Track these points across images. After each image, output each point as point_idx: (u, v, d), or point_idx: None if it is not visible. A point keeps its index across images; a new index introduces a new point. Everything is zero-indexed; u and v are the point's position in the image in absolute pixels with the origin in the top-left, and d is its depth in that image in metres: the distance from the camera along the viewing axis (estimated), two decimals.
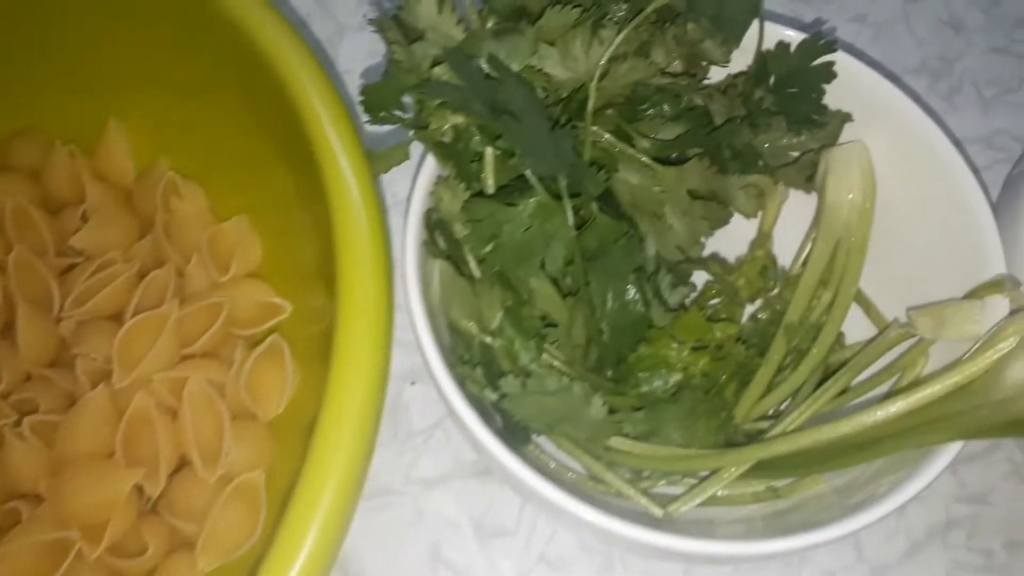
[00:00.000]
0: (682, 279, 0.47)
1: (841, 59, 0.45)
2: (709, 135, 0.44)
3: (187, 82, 0.44)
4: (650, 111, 0.43)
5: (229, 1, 0.39)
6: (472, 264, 0.39)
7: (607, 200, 0.44)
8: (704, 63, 0.46)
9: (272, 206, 0.43)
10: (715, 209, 0.46)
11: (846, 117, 0.46)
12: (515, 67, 0.38)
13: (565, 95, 0.40)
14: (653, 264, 0.45)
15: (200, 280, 0.43)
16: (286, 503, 0.30)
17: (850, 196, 0.44)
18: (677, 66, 0.44)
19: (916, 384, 0.38)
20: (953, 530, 0.47)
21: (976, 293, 0.39)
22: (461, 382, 0.39)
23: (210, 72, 0.42)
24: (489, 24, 0.39)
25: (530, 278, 0.38)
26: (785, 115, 0.46)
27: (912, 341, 0.42)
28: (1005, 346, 0.35)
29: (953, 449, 0.36)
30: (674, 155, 0.44)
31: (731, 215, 0.47)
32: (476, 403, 0.39)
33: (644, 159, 0.43)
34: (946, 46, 0.61)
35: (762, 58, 0.45)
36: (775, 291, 0.47)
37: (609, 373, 0.43)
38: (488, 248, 0.37)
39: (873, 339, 0.43)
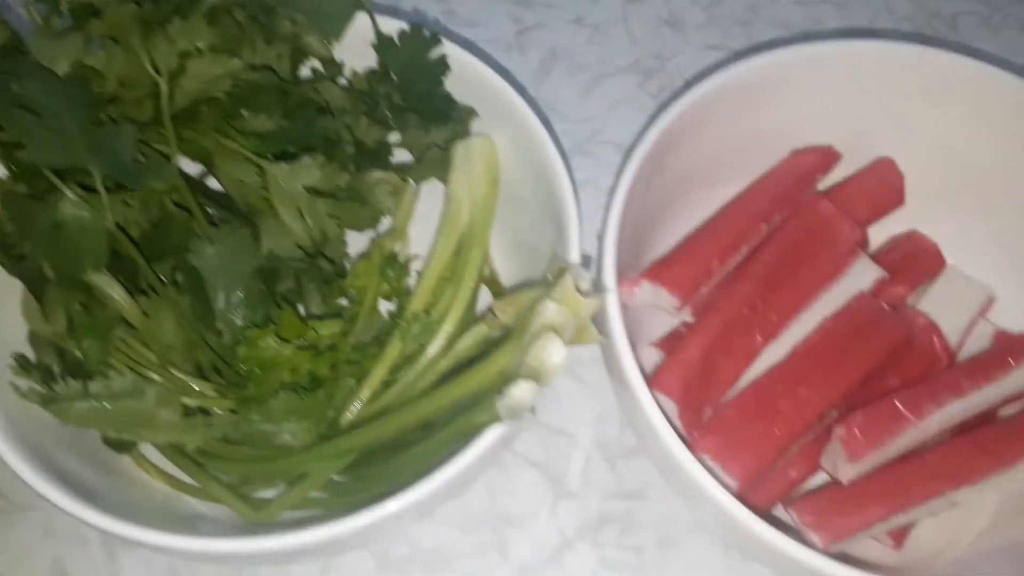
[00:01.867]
0: (329, 278, 0.46)
1: (465, 59, 0.45)
2: (322, 131, 0.43)
3: None
4: (255, 107, 0.42)
5: None
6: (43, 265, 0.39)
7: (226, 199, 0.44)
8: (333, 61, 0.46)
9: None
10: (352, 209, 0.45)
11: (472, 112, 0.45)
12: (64, 65, 0.37)
13: (140, 92, 0.40)
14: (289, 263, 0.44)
15: None
16: None
17: (473, 190, 0.44)
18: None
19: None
20: (605, 527, 0.46)
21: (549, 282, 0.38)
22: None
23: None
24: (52, 24, 0.39)
25: (86, 276, 0.37)
26: (415, 111, 0.46)
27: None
28: (529, 333, 0.34)
29: (494, 432, 0.35)
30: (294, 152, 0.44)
31: (379, 214, 0.47)
32: None
33: (249, 155, 0.42)
34: (663, 44, 0.61)
35: (380, 53, 0.45)
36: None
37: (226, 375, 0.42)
38: (29, 246, 0.36)
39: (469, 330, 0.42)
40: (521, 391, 0.31)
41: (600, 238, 0.40)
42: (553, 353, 0.31)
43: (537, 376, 0.31)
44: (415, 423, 0.38)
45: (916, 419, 0.40)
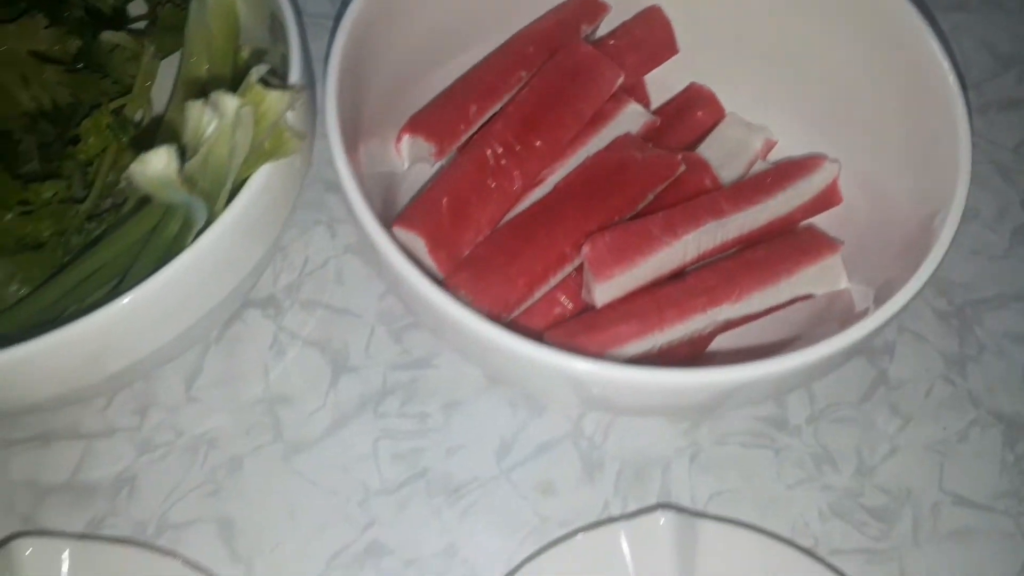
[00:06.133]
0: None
1: None
2: None
3: None
4: None
5: None
6: None
7: None
8: None
9: None
10: (90, 80, 0.43)
11: None
12: None
13: None
14: None
15: None
16: None
17: (210, 46, 0.41)
18: None
19: None
20: (387, 398, 0.44)
21: None
22: None
23: None
24: None
25: None
26: None
27: None
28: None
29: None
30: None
31: (125, 87, 0.44)
32: None
33: None
34: None
35: None
36: None
37: None
38: None
39: None
40: (154, 157, 0.28)
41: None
42: (212, 115, 0.29)
43: (194, 147, 0.29)
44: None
45: (669, 238, 0.38)
